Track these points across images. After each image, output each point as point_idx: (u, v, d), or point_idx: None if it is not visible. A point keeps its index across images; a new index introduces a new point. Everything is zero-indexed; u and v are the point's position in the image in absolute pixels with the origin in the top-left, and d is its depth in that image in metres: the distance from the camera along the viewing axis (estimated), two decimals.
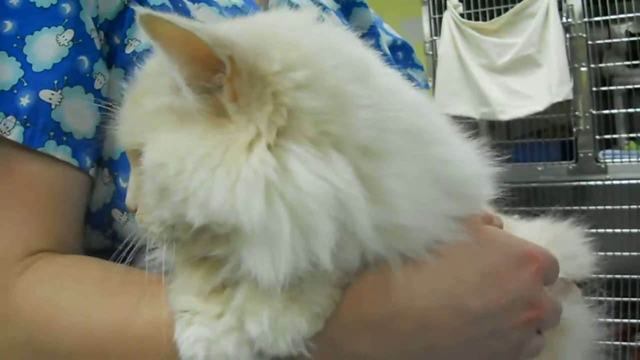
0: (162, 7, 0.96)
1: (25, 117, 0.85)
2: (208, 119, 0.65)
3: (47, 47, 0.87)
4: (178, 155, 0.64)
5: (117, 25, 0.95)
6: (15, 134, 0.85)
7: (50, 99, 0.87)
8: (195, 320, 0.68)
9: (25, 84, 0.86)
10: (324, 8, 1.31)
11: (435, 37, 3.88)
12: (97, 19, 0.94)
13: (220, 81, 0.64)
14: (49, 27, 0.88)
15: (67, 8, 0.88)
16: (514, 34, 3.61)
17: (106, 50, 0.95)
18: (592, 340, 0.93)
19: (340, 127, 0.65)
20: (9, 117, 0.85)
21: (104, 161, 0.93)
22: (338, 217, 0.63)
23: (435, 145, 0.72)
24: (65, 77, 0.88)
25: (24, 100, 0.86)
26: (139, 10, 0.63)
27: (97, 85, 0.92)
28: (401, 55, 1.48)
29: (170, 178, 0.64)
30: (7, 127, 0.85)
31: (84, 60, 0.91)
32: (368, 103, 0.67)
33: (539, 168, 3.69)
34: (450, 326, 0.72)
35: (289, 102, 0.64)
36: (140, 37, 0.95)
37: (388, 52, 1.40)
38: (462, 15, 3.73)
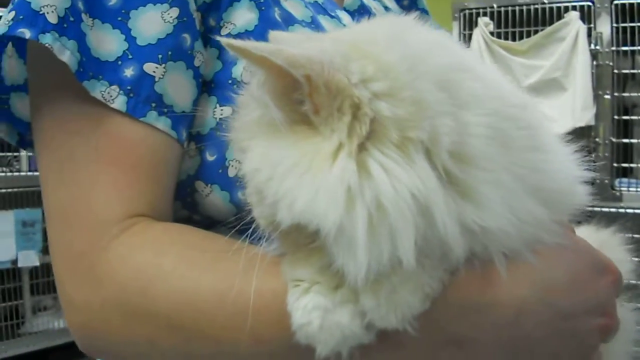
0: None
1: (129, 87, 0.87)
2: (299, 130, 0.68)
3: (152, 22, 0.90)
4: (270, 162, 0.67)
5: (214, 7, 0.98)
6: (119, 103, 0.87)
7: (154, 72, 0.89)
8: (313, 289, 0.70)
9: (130, 56, 0.88)
10: (387, 10, 1.34)
11: None
12: (197, 1, 0.96)
13: (302, 97, 0.67)
14: (154, 4, 0.90)
15: None
16: (542, 57, 3.66)
17: (202, 30, 0.97)
18: (634, 341, 0.96)
19: (424, 133, 0.66)
20: (113, 87, 0.87)
21: (192, 134, 0.96)
22: (418, 220, 0.65)
23: (528, 152, 0.74)
24: (170, 52, 0.90)
25: (128, 72, 0.88)
26: (223, 40, 0.68)
27: (196, 62, 0.94)
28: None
29: (263, 182, 0.68)
30: (111, 96, 0.87)
31: (187, 37, 0.93)
32: (449, 110, 0.68)
33: None
34: (543, 318, 0.74)
35: (369, 112, 0.66)
36: (235, 21, 0.98)
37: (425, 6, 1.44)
38: (492, 33, 3.77)
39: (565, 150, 0.85)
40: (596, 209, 3.50)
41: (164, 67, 0.90)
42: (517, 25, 3.78)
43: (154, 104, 0.89)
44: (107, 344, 0.86)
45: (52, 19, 0.84)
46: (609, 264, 0.81)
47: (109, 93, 0.86)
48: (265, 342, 0.75)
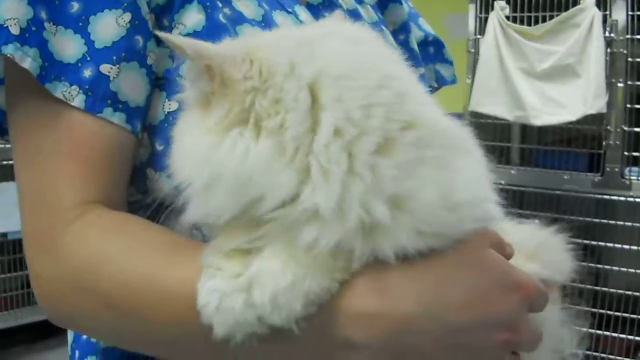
0: None
1: (87, 87, 0.97)
2: (201, 104, 0.81)
3: (108, 27, 0.98)
4: (179, 130, 0.84)
5: (167, 9, 1.06)
6: (78, 101, 0.96)
7: (109, 72, 0.98)
8: (218, 274, 0.77)
9: (88, 59, 0.97)
10: (361, 2, 1.37)
11: (478, 36, 3.93)
12: (150, 3, 1.04)
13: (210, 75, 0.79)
14: (110, 10, 0.99)
15: None
16: (556, 42, 3.65)
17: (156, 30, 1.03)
18: (561, 340, 0.99)
19: (274, 123, 0.76)
20: (73, 87, 0.96)
21: (145, 126, 1.05)
22: (241, 190, 0.76)
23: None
24: (123, 54, 0.99)
25: (87, 73, 0.97)
26: (158, 33, 0.84)
27: (149, 61, 1.03)
28: (432, 50, 1.53)
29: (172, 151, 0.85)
30: (72, 95, 0.96)
31: (139, 39, 1.01)
32: (304, 109, 0.76)
33: (565, 177, 3.74)
34: (432, 332, 0.77)
35: (241, 101, 0.77)
36: (185, 22, 1.05)
37: (415, 48, 1.45)
38: (507, 17, 3.76)
39: (478, 160, 0.89)
40: (605, 197, 3.53)
41: (118, 68, 0.99)
42: (533, 10, 3.77)
43: (109, 101, 0.98)
44: (65, 316, 0.98)
45: (15, 30, 0.93)
46: (521, 281, 0.82)
47: (69, 93, 0.96)
48: (184, 324, 0.83)
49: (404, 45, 1.42)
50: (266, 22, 1.11)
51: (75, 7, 0.98)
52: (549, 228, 1.05)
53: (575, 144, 3.84)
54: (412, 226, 0.75)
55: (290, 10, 1.17)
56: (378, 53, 0.85)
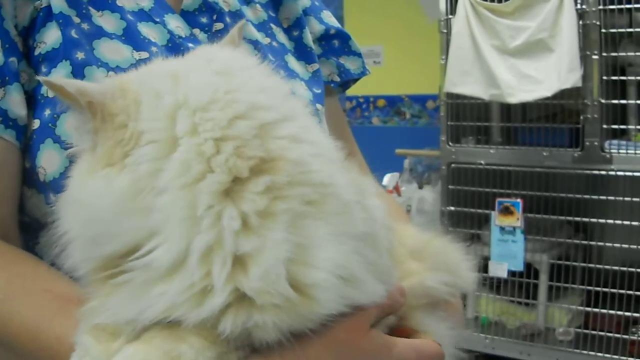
0: (61, 15, 1.07)
1: None
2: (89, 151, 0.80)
3: None
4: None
5: (31, 31, 1.07)
6: None
7: None
8: (86, 357, 0.76)
9: None
10: (249, 2, 1.36)
11: (450, 16, 3.88)
12: (17, 26, 1.06)
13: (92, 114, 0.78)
14: None
15: None
16: (527, 18, 3.60)
17: (24, 51, 1.07)
18: (452, 356, 0.98)
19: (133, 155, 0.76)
20: None
21: None
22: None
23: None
24: (7, 78, 1.02)
25: None
26: (40, 78, 0.87)
27: (22, 80, 1.05)
28: (337, 43, 1.49)
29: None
30: None
31: (15, 60, 1.04)
32: (161, 139, 0.76)
33: (545, 153, 3.69)
34: None
35: (114, 137, 0.77)
36: (46, 40, 1.06)
37: (309, 43, 1.42)
38: None
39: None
40: (586, 171, 3.49)
41: (4, 90, 1.01)
42: None
43: (0, 119, 1.00)
44: None
45: None
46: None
47: None
48: None
49: (297, 41, 1.40)
50: (128, 35, 1.11)
51: None
52: (447, 237, 1.05)
53: (557, 119, 3.81)
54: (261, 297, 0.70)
55: (157, 20, 1.16)
56: (247, 83, 0.81)
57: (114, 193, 0.73)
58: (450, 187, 3.96)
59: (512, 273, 3.79)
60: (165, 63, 0.88)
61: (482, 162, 3.87)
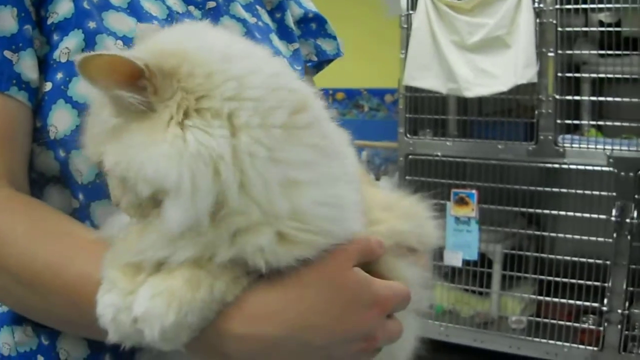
0: None
1: None
2: (141, 118, 0.82)
3: (5, 19, 1.07)
4: (124, 151, 0.82)
5: (43, 1, 1.12)
6: None
7: (11, 58, 1.06)
8: (113, 289, 0.84)
9: None
10: None
11: (411, 12, 3.96)
12: None
13: (144, 84, 0.81)
14: (5, 6, 1.06)
15: None
16: (486, 15, 3.70)
17: (37, 20, 1.12)
18: (424, 300, 1.06)
19: (214, 101, 0.82)
20: None
21: None
22: (213, 178, 0.80)
23: (296, 144, 0.85)
24: (20, 44, 1.07)
25: None
26: (77, 58, 0.80)
27: (35, 46, 1.10)
28: (314, 26, 1.58)
29: (124, 169, 0.81)
30: None
31: (29, 28, 1.09)
32: (232, 75, 0.83)
33: (500, 146, 3.80)
34: (294, 351, 0.88)
35: (185, 87, 0.82)
36: (58, 11, 1.12)
37: (291, 25, 1.51)
38: None
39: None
40: (540, 164, 3.60)
41: (18, 55, 1.07)
42: None
43: (14, 81, 1.06)
44: None
45: None
46: (379, 296, 0.91)
47: None
48: (80, 311, 0.91)
49: (280, 22, 1.49)
50: (132, 9, 1.17)
51: None
52: (415, 195, 1.11)
53: (512, 114, 3.91)
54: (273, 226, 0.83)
55: None
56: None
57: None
58: (407, 178, 4.05)
59: (466, 262, 3.89)
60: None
61: (439, 154, 3.97)
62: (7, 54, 1.06)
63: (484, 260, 3.95)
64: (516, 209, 3.80)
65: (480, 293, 4.00)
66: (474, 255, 3.83)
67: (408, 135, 4.08)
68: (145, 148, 0.80)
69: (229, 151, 0.80)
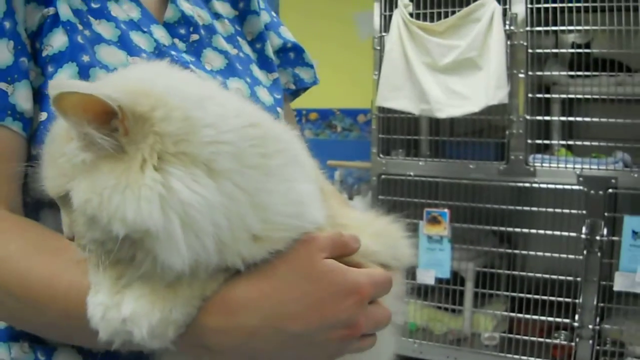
0: (68, 22, 1.17)
1: None
2: (112, 158, 0.85)
3: (1, 52, 1.10)
4: (97, 190, 0.84)
5: (38, 34, 1.16)
6: None
7: (6, 89, 1.10)
8: (101, 291, 0.89)
9: None
10: (219, 17, 1.50)
11: (384, 33, 4.02)
12: (27, 30, 1.16)
13: (115, 125, 0.84)
14: (0, 38, 1.10)
15: (7, 24, 1.12)
16: (458, 37, 3.78)
17: (32, 52, 1.16)
18: (399, 313, 1.11)
19: (193, 146, 0.85)
20: None
21: None
22: (212, 220, 0.85)
23: (263, 173, 0.91)
24: (15, 75, 1.11)
25: None
26: (51, 92, 0.84)
27: (31, 77, 1.14)
28: (292, 55, 1.64)
29: (95, 209, 0.84)
30: None
31: (25, 60, 1.13)
32: (208, 123, 0.87)
33: (471, 166, 3.87)
34: (273, 339, 0.93)
35: (159, 131, 0.84)
36: (53, 44, 1.16)
37: (270, 55, 1.57)
38: (411, 14, 3.87)
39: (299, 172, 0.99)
40: (511, 184, 3.66)
41: (13, 86, 1.10)
42: (436, 7, 3.89)
43: (9, 112, 1.09)
44: None
45: None
46: (357, 283, 0.96)
47: None
48: (73, 319, 0.94)
49: (260, 53, 1.55)
50: (122, 42, 1.22)
51: None
52: (388, 215, 1.16)
53: (483, 134, 4.00)
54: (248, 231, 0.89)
55: (145, 30, 1.29)
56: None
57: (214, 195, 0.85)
58: (380, 197, 4.10)
59: (439, 280, 3.93)
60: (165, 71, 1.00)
61: (412, 173, 4.02)
62: (3, 85, 1.10)
63: (457, 278, 4.00)
64: (488, 227, 3.86)
65: (453, 310, 4.04)
66: (446, 273, 3.88)
67: (381, 155, 4.13)
68: (121, 190, 0.83)
69: (218, 199, 0.85)
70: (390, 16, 3.95)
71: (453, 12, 3.81)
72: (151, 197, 0.82)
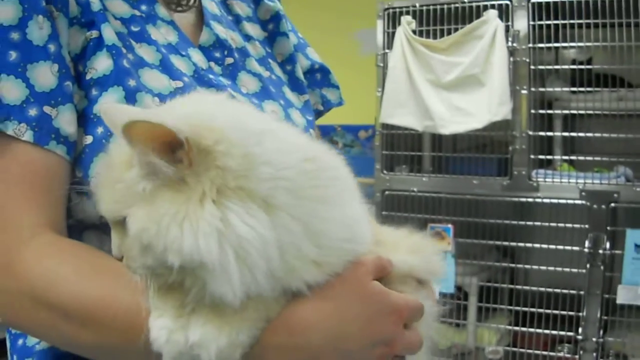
0: (113, 46, 1.19)
1: (34, 124, 1.10)
2: (172, 189, 0.86)
3: (44, 75, 1.12)
4: (155, 219, 0.85)
5: (81, 57, 1.18)
6: (28, 136, 1.09)
7: (50, 112, 1.11)
8: (164, 314, 0.91)
9: (32, 100, 1.10)
10: (250, 39, 1.52)
11: (387, 50, 4.06)
12: (70, 53, 1.17)
13: (180, 156, 0.85)
14: (45, 61, 1.12)
15: (52, 47, 1.13)
16: (461, 54, 3.81)
17: (75, 75, 1.18)
18: (434, 330, 1.14)
19: (251, 182, 0.87)
20: (22, 124, 1.09)
21: None
22: (264, 254, 0.87)
23: (318, 203, 0.93)
24: (59, 98, 1.12)
25: (32, 112, 1.10)
26: (115, 117, 0.90)
27: (75, 101, 1.16)
28: (319, 76, 1.68)
29: (152, 237, 0.85)
30: (21, 132, 1.09)
31: (69, 84, 1.15)
32: (266, 160, 0.89)
33: (475, 181, 3.89)
34: (329, 358, 0.96)
35: (220, 165, 0.86)
36: (97, 67, 1.18)
37: (301, 77, 1.59)
38: (414, 31, 3.90)
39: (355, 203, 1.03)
40: (514, 199, 3.69)
41: (57, 110, 1.12)
42: (439, 24, 3.92)
43: (53, 135, 1.11)
44: (23, 323, 1.11)
45: None
46: (398, 307, 1.00)
47: (19, 129, 1.09)
48: (132, 341, 0.95)
49: (290, 74, 1.58)
50: (164, 66, 1.24)
51: (13, 55, 1.10)
52: (421, 232, 1.19)
53: (486, 150, 4.03)
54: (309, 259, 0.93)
55: (184, 53, 1.31)
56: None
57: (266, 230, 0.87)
58: (384, 213, 4.10)
59: (443, 295, 3.91)
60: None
61: (415, 189, 4.05)
62: (47, 109, 1.11)
63: (460, 292, 4.02)
64: (491, 242, 3.88)
65: (457, 325, 4.04)
66: (450, 288, 3.88)
67: (384, 172, 4.15)
68: (179, 222, 0.84)
69: (272, 233, 0.87)
70: (393, 33, 3.98)
71: (456, 29, 3.84)
72: (209, 232, 0.84)
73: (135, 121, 0.83)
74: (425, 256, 1.13)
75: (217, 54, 1.38)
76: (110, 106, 0.97)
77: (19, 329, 1.20)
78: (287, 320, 0.94)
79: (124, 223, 0.90)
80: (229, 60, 1.40)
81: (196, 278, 0.87)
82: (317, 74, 1.67)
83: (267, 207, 0.87)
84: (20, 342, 1.23)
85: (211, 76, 1.31)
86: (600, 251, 3.56)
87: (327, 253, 0.93)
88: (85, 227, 1.17)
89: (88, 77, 1.17)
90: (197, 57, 1.33)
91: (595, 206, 3.58)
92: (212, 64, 1.36)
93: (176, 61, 1.28)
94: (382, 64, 4.10)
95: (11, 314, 1.09)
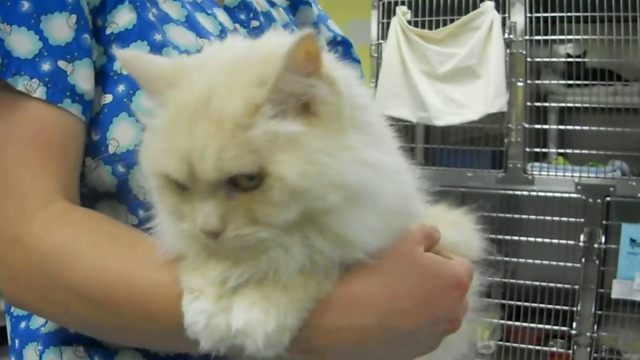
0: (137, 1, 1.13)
1: (47, 79, 1.02)
2: (309, 125, 0.81)
3: (60, 28, 1.04)
4: (308, 160, 0.79)
5: (101, 10, 1.11)
6: (40, 92, 1.02)
7: (65, 67, 1.04)
8: (201, 297, 0.83)
9: (45, 54, 1.03)
10: (274, 5, 1.48)
11: (381, 41, 4.02)
12: (89, 4, 1.10)
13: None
14: (60, 12, 1.04)
15: None
16: (457, 45, 3.77)
17: (93, 30, 1.11)
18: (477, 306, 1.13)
19: (363, 113, 0.86)
20: (34, 80, 1.02)
21: None
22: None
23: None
24: (76, 53, 1.05)
25: (45, 67, 1.02)
26: (288, 39, 0.81)
27: (94, 57, 1.09)
28: (341, 50, 1.63)
29: (312, 179, 0.78)
30: (33, 88, 1.01)
31: (87, 37, 1.08)
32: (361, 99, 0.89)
33: (469, 174, 3.86)
34: (383, 340, 0.89)
35: (343, 93, 0.83)
36: (118, 21, 1.11)
37: (326, 47, 1.55)
38: (409, 22, 3.86)
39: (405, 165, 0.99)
40: (509, 192, 3.66)
41: (72, 65, 1.05)
42: (434, 14, 3.88)
43: (68, 93, 1.04)
44: (30, 300, 1.01)
45: None
46: (456, 276, 0.95)
47: (30, 85, 1.02)
48: (156, 322, 0.90)
49: None
50: (190, 23, 1.19)
51: (26, 6, 1.02)
52: (460, 208, 1.18)
53: (479, 143, 4.00)
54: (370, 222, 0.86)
55: (209, 12, 1.26)
56: None
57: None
58: None
59: None
60: None
61: None
62: (61, 64, 1.04)
63: None
64: (485, 235, 3.81)
65: None
66: None
67: None
68: (336, 155, 0.80)
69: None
70: (388, 24, 3.94)
71: (452, 20, 3.80)
72: (363, 159, 0.82)
73: (306, 37, 0.76)
74: (466, 232, 1.11)
75: (242, 16, 1.34)
76: (131, 53, 0.92)
77: (26, 309, 1.11)
78: (333, 299, 0.87)
79: (235, 182, 0.80)
80: (255, 23, 1.36)
81: (318, 226, 0.82)
82: (339, 46, 1.63)
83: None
84: (22, 324, 1.15)
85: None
86: (596, 245, 3.55)
87: (392, 218, 0.88)
88: (98, 196, 1.11)
89: (108, 31, 1.11)
90: (223, 17, 1.29)
91: (590, 200, 3.56)
92: (238, 25, 1.32)
93: (202, 19, 1.23)
94: (376, 55, 4.06)
95: (17, 292, 1.00)
